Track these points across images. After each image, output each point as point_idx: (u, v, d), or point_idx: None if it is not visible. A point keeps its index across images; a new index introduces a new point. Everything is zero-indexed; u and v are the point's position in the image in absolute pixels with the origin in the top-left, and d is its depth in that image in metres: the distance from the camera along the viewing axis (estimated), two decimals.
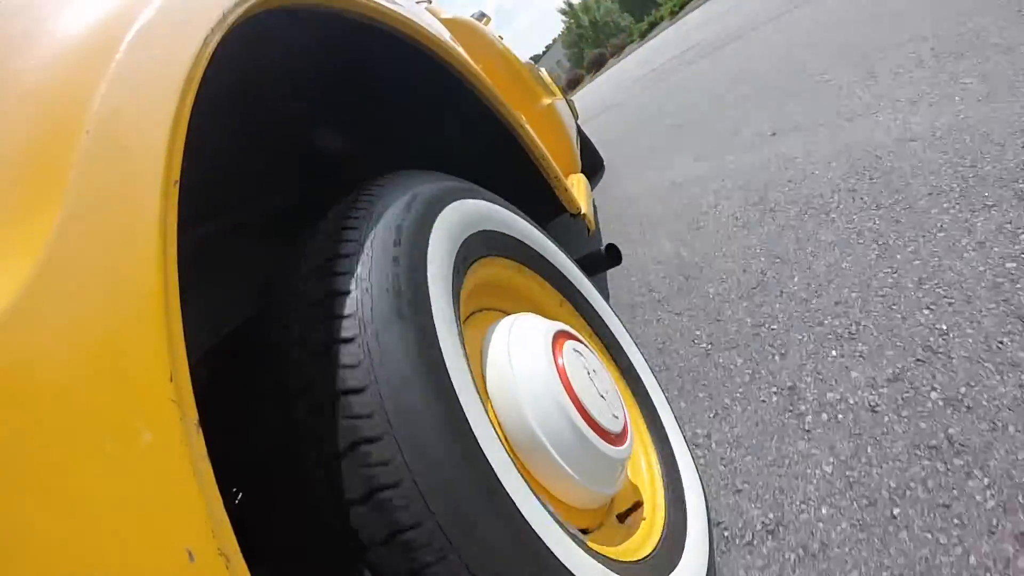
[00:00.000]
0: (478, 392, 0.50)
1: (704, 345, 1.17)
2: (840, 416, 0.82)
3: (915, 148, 1.34)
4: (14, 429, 0.22)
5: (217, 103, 0.49)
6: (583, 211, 1.34)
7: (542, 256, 0.89)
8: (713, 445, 0.93)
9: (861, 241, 1.14)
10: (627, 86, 7.72)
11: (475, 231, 0.70)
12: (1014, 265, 0.86)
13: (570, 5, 45.14)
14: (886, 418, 0.77)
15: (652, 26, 22.04)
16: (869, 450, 0.74)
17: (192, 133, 0.36)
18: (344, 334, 0.42)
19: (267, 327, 0.47)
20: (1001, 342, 0.76)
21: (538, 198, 1.23)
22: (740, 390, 0.99)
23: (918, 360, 0.81)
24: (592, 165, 3.26)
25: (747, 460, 0.86)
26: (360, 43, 0.80)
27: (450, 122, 1.08)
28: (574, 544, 0.49)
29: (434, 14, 1.41)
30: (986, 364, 0.75)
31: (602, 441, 0.63)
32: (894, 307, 0.93)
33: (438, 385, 0.44)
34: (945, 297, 0.88)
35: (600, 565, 0.51)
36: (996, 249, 0.91)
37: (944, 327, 0.83)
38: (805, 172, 1.57)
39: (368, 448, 0.37)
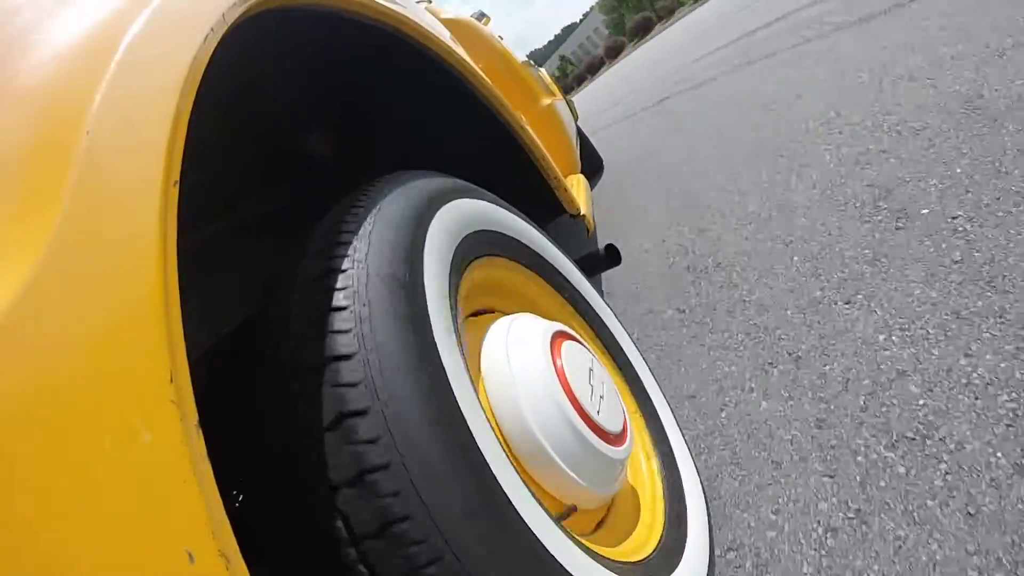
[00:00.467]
0: (476, 393, 0.50)
1: None
2: None
3: None
4: (14, 429, 0.22)
5: (217, 103, 0.49)
6: (583, 212, 1.34)
7: (540, 256, 0.89)
8: None
9: None
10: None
11: (473, 231, 0.70)
12: None
13: None
14: None
15: None
16: None
17: (192, 133, 0.36)
18: (342, 334, 0.42)
19: (267, 329, 0.47)
20: None
21: (538, 198, 1.23)
22: None
23: None
24: (592, 166, 3.27)
25: None
26: (360, 43, 0.80)
27: (449, 122, 1.08)
28: (573, 545, 0.49)
29: (434, 14, 1.41)
30: None
31: (601, 441, 0.63)
32: None
33: (436, 386, 0.44)
34: None
35: (600, 566, 0.51)
36: None
37: None
38: None
39: (365, 447, 0.37)
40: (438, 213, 0.63)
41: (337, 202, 0.59)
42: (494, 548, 0.39)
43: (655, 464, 0.83)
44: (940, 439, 0.71)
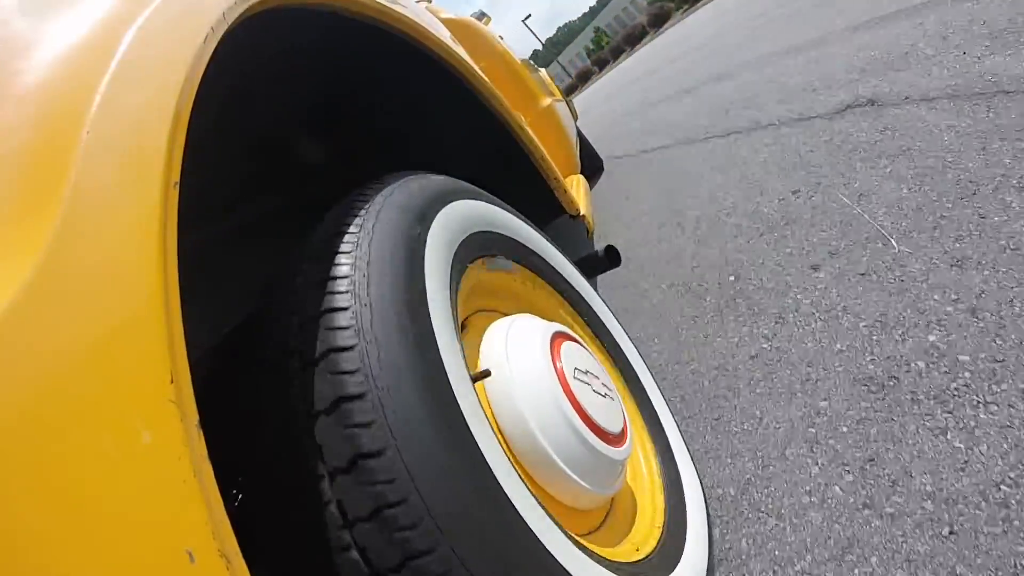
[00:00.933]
0: (476, 394, 0.50)
1: None
2: None
3: None
4: (14, 430, 0.22)
5: (217, 103, 0.49)
6: (582, 212, 1.34)
7: (540, 257, 0.89)
8: None
9: None
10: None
11: (473, 232, 0.70)
12: None
13: None
14: None
15: None
16: None
17: (192, 133, 0.36)
18: (342, 337, 0.42)
19: (267, 330, 0.47)
20: None
21: (537, 199, 1.23)
22: None
23: None
24: (591, 167, 3.27)
25: None
26: (360, 43, 0.80)
27: (449, 122, 1.08)
28: (573, 545, 0.49)
29: (434, 13, 1.41)
30: None
31: (601, 442, 0.63)
32: None
33: (436, 387, 0.44)
34: None
35: (599, 566, 0.51)
36: None
37: None
38: None
39: (366, 451, 0.37)
40: (439, 214, 0.63)
41: (338, 202, 0.59)
42: (493, 547, 0.39)
43: (654, 464, 0.83)
44: None
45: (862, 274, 1.05)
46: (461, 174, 0.79)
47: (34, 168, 0.29)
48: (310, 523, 0.37)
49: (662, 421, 0.92)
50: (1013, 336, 0.75)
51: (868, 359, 0.87)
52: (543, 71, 2.82)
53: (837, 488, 0.73)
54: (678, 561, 0.65)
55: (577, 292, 0.97)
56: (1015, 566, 0.55)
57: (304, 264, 0.49)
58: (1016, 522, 0.58)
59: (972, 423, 0.69)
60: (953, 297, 0.87)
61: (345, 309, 0.43)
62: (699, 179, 2.12)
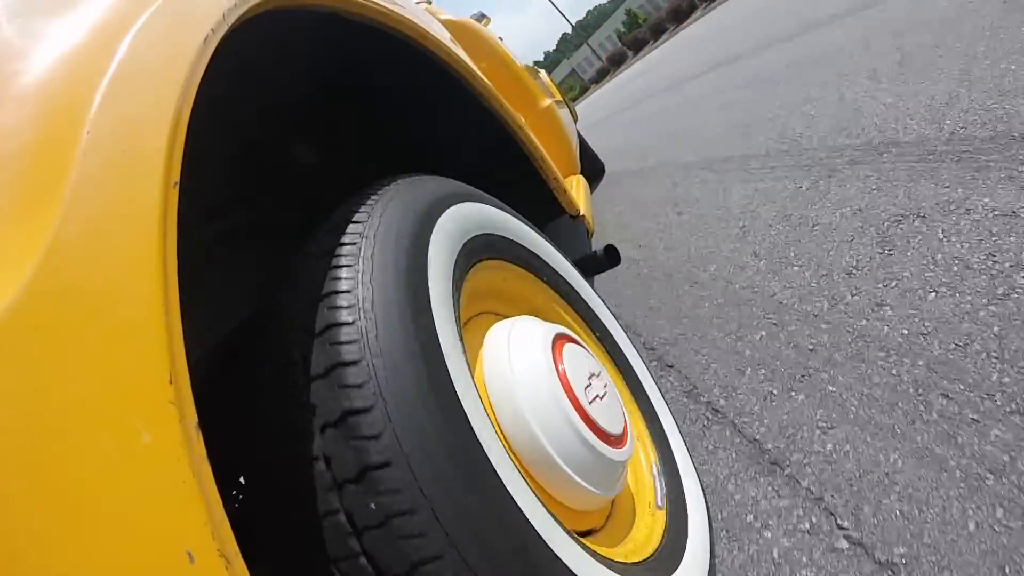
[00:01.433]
0: (479, 395, 0.50)
1: None
2: None
3: None
4: (14, 430, 0.22)
5: (217, 103, 0.49)
6: (582, 213, 1.34)
7: (540, 258, 0.89)
8: None
9: None
10: None
11: (474, 235, 0.70)
12: None
13: None
14: None
15: None
16: None
17: (192, 134, 0.36)
18: (345, 338, 0.42)
19: (269, 330, 0.47)
20: None
21: (537, 200, 1.23)
22: None
23: None
24: (592, 169, 3.27)
25: None
26: (360, 44, 0.80)
27: (449, 124, 1.08)
28: (576, 545, 0.49)
29: (433, 15, 1.41)
30: None
31: (602, 443, 0.63)
32: None
33: (440, 390, 0.43)
34: None
35: (602, 567, 0.51)
36: None
37: None
38: None
39: (368, 443, 0.37)
40: (442, 216, 0.63)
41: (340, 204, 0.59)
42: (496, 547, 0.39)
43: (655, 465, 0.83)
44: None
45: None
46: (461, 174, 0.79)
47: (34, 168, 0.29)
48: (314, 527, 0.37)
49: (662, 422, 0.92)
50: None
51: None
52: (544, 73, 2.82)
53: None
54: (680, 560, 0.65)
55: (577, 293, 0.97)
56: None
57: (306, 272, 0.49)
58: None
59: None
60: None
61: (347, 309, 0.43)
62: None
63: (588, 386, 0.68)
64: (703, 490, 0.82)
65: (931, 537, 0.65)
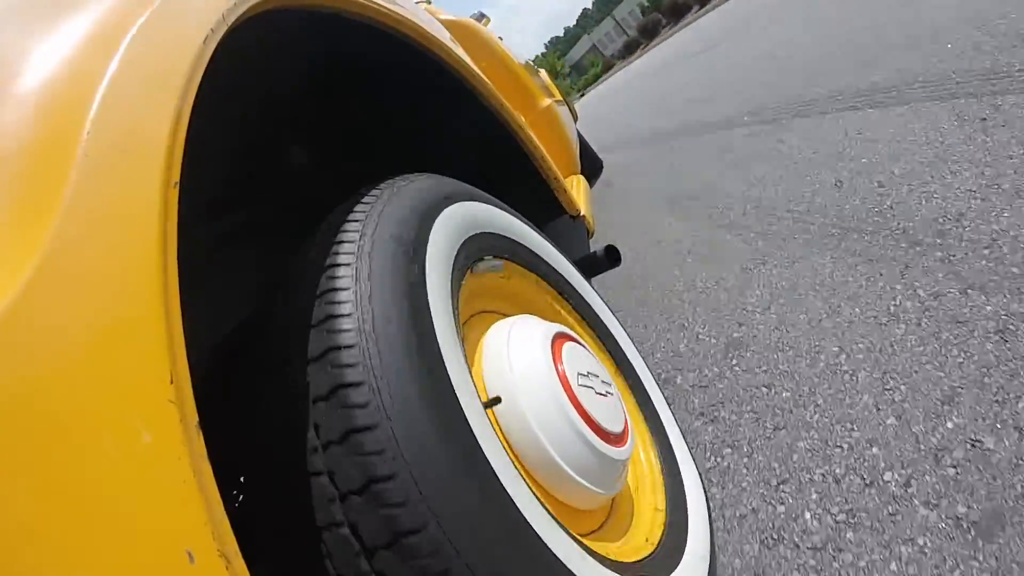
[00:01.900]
0: (478, 395, 0.50)
1: None
2: None
3: None
4: (14, 430, 0.22)
5: (217, 104, 0.49)
6: (582, 212, 1.34)
7: (540, 258, 0.89)
8: None
9: None
10: None
11: (474, 234, 0.70)
12: None
13: None
14: None
15: None
16: None
17: (192, 133, 0.36)
18: (344, 340, 0.42)
19: (269, 331, 0.47)
20: None
21: (537, 199, 1.23)
22: None
23: None
24: (591, 168, 3.27)
25: None
26: (360, 44, 0.80)
27: (449, 124, 1.08)
28: (575, 544, 0.49)
29: (433, 15, 1.41)
30: None
31: (603, 442, 0.63)
32: None
33: (439, 389, 0.43)
34: None
35: (601, 566, 0.51)
36: None
37: None
38: None
39: (365, 439, 0.37)
40: (441, 215, 0.63)
41: (339, 204, 0.59)
42: (497, 547, 0.39)
43: (655, 464, 0.83)
44: None
45: None
46: (460, 174, 0.79)
47: (34, 168, 0.29)
48: (315, 535, 0.37)
49: (663, 420, 0.92)
50: None
51: None
52: (543, 72, 2.82)
53: None
54: (680, 558, 0.65)
55: (577, 292, 0.97)
56: None
57: (307, 266, 0.49)
58: None
59: None
60: None
61: (347, 308, 0.43)
62: None
63: (588, 385, 0.68)
64: (703, 487, 0.82)
65: None
